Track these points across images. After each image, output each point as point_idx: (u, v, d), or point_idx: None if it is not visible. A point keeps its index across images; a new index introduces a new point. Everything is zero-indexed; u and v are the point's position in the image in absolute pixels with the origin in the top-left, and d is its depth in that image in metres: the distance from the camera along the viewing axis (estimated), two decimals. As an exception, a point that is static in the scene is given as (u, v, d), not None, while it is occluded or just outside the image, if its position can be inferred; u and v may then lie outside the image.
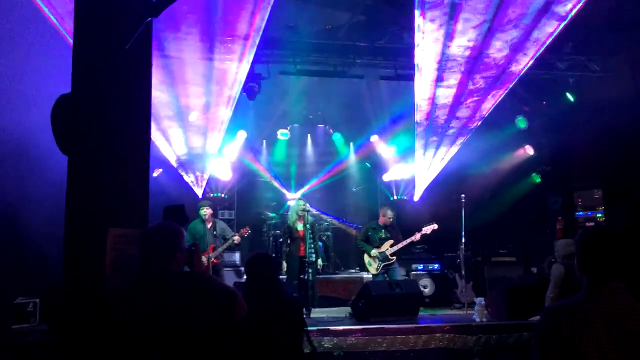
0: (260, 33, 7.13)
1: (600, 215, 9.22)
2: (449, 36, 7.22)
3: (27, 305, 6.16)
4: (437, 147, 9.97)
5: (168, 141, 9.53)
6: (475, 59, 7.74)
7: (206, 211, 8.12)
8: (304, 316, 7.00)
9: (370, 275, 8.41)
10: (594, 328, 2.05)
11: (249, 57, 7.68)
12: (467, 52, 7.57)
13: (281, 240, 9.21)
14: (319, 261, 8.12)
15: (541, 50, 7.41)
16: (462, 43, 7.34)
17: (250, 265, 3.65)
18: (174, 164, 9.98)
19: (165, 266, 2.52)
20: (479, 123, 9.29)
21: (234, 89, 8.35)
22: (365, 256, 8.29)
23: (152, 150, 3.37)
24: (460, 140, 9.76)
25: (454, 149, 9.94)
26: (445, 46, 7.45)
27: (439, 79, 8.24)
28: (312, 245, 7.79)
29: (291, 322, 3.50)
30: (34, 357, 5.22)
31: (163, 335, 2.34)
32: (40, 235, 6.95)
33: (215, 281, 2.68)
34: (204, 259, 7.56)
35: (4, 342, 5.48)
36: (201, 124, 9.33)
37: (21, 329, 5.90)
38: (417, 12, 6.80)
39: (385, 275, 8.09)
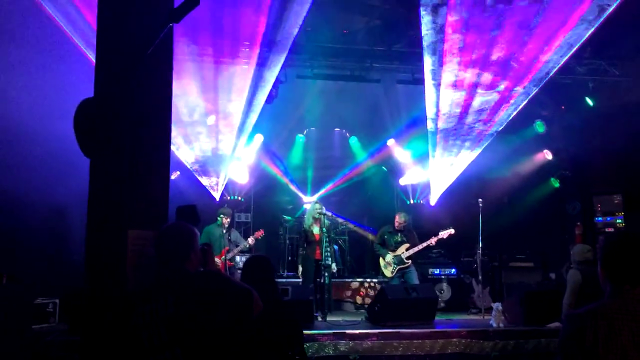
0: (291, 40, 7.21)
1: (620, 221, 9.10)
2: (466, 39, 7.21)
3: (47, 306, 6.23)
4: (455, 152, 9.92)
5: (186, 144, 9.60)
6: (496, 63, 7.72)
7: (224, 220, 8.13)
8: (320, 319, 7.09)
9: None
10: (618, 334, 2.03)
11: (273, 63, 7.74)
12: (485, 57, 7.55)
13: (297, 243, 9.22)
14: (333, 265, 8.14)
15: (567, 56, 7.34)
16: (481, 46, 7.32)
17: (247, 268, 3.65)
18: (192, 167, 10.05)
19: (179, 267, 2.54)
20: (501, 128, 9.23)
21: (256, 93, 8.41)
22: (381, 259, 8.30)
23: (171, 153, 3.42)
24: (480, 145, 9.70)
25: (474, 154, 9.87)
26: (462, 49, 7.44)
27: (455, 84, 8.23)
28: (328, 249, 7.80)
29: (286, 326, 3.49)
30: (53, 357, 5.28)
31: (185, 334, 2.37)
32: (61, 236, 7.07)
33: (232, 280, 2.71)
34: (218, 260, 7.60)
35: (24, 342, 5.55)
36: (219, 128, 9.39)
37: (41, 329, 5.97)
38: (423, 11, 6.78)
39: (402, 278, 8.09)
